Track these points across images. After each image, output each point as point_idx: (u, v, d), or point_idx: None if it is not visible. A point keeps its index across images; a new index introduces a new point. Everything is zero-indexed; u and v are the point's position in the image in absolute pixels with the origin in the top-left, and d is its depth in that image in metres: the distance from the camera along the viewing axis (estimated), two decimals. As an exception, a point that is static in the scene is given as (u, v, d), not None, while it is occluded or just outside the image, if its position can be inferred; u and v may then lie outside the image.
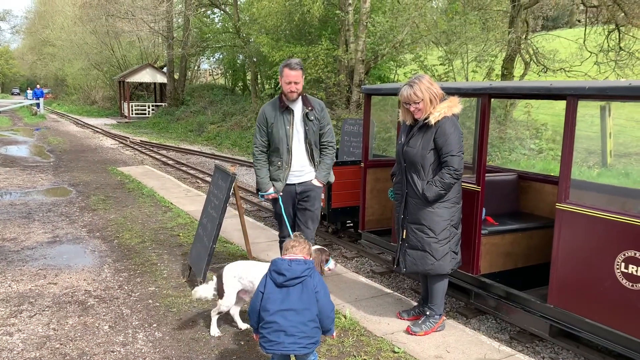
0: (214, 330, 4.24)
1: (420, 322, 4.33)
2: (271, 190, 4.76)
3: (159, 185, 10.80)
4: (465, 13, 15.03)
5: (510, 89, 4.71)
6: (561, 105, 4.13)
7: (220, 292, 4.17)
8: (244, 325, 4.34)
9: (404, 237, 4.33)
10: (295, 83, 4.58)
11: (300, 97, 4.70)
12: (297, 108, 4.71)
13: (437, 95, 4.08)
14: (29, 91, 43.63)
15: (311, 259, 3.32)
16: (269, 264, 3.25)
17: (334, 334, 3.27)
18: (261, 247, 6.52)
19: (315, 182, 4.81)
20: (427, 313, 4.34)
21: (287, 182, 4.75)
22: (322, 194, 5.07)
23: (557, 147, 13.88)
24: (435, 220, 4.13)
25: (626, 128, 15.34)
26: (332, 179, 4.99)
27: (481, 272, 4.86)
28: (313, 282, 3.09)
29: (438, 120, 4.03)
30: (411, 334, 4.25)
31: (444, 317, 4.42)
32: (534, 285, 4.80)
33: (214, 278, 4.28)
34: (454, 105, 4.10)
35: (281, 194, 4.76)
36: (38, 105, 36.67)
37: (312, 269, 3.15)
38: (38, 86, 41.91)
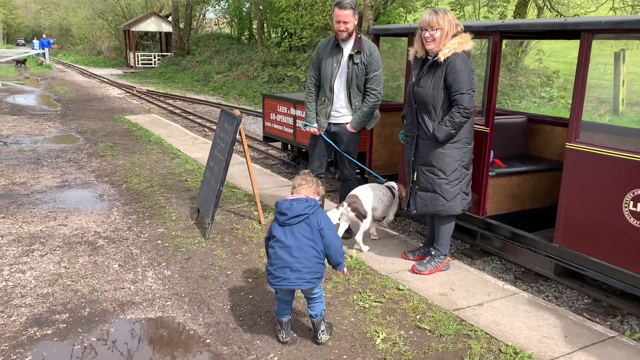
0: (365, 247, 4.78)
1: (425, 261, 4.37)
2: (315, 125, 4.92)
3: (166, 133, 10.79)
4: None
5: (523, 26, 4.57)
6: (574, 53, 4.02)
7: (360, 213, 4.66)
8: (365, 248, 4.78)
9: (414, 179, 4.30)
10: (345, 22, 4.58)
11: (353, 37, 4.69)
12: (347, 48, 4.71)
13: (455, 29, 3.95)
14: (35, 41, 42.66)
15: (318, 198, 3.34)
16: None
17: (345, 269, 3.30)
18: (268, 192, 6.55)
19: (348, 127, 4.84)
20: (433, 253, 4.37)
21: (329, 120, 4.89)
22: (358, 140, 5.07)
23: (568, 96, 13.64)
24: (446, 162, 4.08)
25: (640, 76, 15.00)
26: (369, 126, 4.96)
27: (487, 214, 4.86)
28: (316, 219, 3.16)
29: (448, 57, 3.92)
30: (416, 273, 4.30)
31: (449, 258, 4.46)
32: (540, 228, 4.80)
33: (344, 204, 4.71)
34: (465, 42, 3.96)
35: (323, 132, 4.92)
36: (44, 55, 36.33)
37: (315, 207, 3.20)
38: (44, 36, 41.12)
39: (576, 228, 4.05)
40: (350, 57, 4.67)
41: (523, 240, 4.54)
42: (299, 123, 6.97)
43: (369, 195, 4.75)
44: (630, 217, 3.68)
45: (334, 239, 3.19)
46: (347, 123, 4.84)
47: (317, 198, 3.33)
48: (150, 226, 5.36)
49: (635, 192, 3.63)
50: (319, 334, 3.29)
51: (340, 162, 5.08)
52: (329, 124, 4.90)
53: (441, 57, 3.90)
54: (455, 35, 3.95)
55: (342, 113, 4.85)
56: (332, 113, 4.86)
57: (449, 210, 4.16)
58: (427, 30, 3.94)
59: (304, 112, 5.07)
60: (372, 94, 4.74)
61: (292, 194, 3.36)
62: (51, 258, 4.57)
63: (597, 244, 3.92)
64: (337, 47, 4.71)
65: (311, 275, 3.11)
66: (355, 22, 4.66)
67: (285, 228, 3.15)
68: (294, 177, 3.48)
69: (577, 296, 4.51)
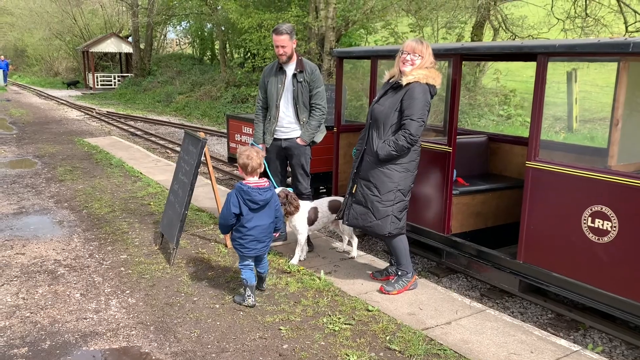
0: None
1: (392, 281, 4.39)
2: (260, 145, 5.22)
3: (127, 155, 10.59)
4: (436, -21, 14.93)
5: (482, 49, 4.72)
6: (529, 72, 4.16)
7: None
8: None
9: (352, 191, 4.40)
10: (283, 47, 4.92)
11: (294, 59, 5.02)
12: (290, 69, 5.06)
13: (430, 64, 4.08)
14: None
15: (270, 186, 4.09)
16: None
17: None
18: (234, 214, 6.47)
19: (299, 141, 5.10)
20: (399, 273, 4.40)
21: (275, 136, 5.17)
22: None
23: (525, 113, 14.07)
24: (382, 180, 4.15)
25: (591, 94, 15.64)
26: (317, 139, 5.21)
27: (452, 232, 4.93)
28: (274, 202, 4.12)
29: (409, 83, 4.02)
30: (384, 293, 4.31)
31: (416, 277, 4.49)
32: (504, 244, 4.91)
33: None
34: (431, 76, 4.05)
35: (266, 147, 5.22)
36: (4, 77, 35.01)
37: (274, 192, 4.13)
38: (2, 57, 38.78)
39: (538, 244, 4.15)
40: (294, 76, 5.02)
41: (487, 257, 4.62)
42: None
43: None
44: (589, 233, 3.80)
45: (281, 213, 4.25)
46: (297, 137, 5.12)
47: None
48: (112, 253, 5.23)
49: (593, 209, 3.75)
50: (264, 284, 4.34)
51: (293, 177, 5.33)
52: (281, 140, 5.17)
53: (404, 81, 4.02)
54: (426, 68, 4.06)
55: (291, 128, 5.15)
56: (278, 129, 5.15)
57: (376, 229, 4.22)
58: (409, 54, 4.07)
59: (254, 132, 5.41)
60: (317, 108, 5.08)
61: (249, 173, 4.02)
62: (8, 289, 4.39)
63: (559, 260, 4.02)
64: (281, 70, 5.09)
65: (270, 241, 4.16)
66: (294, 46, 5.00)
67: (255, 212, 3.96)
68: (243, 155, 4.06)
69: (542, 311, 4.60)
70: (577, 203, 3.85)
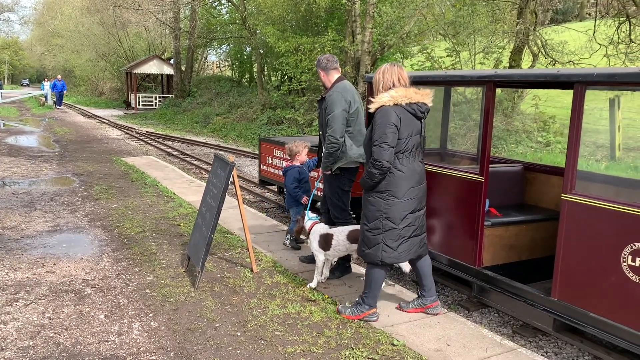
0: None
1: (350, 304, 4.35)
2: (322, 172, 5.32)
3: (162, 175, 10.76)
4: (474, 4, 14.81)
5: (516, 76, 4.58)
6: (570, 98, 4.01)
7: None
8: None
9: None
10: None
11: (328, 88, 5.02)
12: None
13: (377, 84, 4.09)
14: (46, 83, 37.09)
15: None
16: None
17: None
18: (262, 238, 6.45)
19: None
20: (357, 299, 4.33)
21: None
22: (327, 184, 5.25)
23: (565, 140, 13.64)
24: (368, 208, 4.14)
25: (635, 121, 15.13)
26: (334, 167, 4.98)
27: (484, 265, 4.75)
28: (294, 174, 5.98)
29: (376, 108, 3.99)
30: (338, 313, 4.33)
31: (376, 309, 4.29)
32: (538, 279, 4.69)
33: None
34: (400, 96, 3.94)
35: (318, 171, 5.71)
36: (46, 96, 35.99)
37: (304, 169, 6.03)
38: (59, 77, 35.22)
39: (574, 282, 3.94)
40: (317, 103, 5.14)
41: (520, 292, 4.41)
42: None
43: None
44: (629, 272, 3.58)
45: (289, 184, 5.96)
46: None
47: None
48: (139, 274, 5.24)
49: (634, 247, 3.55)
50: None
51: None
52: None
53: (371, 108, 4.01)
54: (391, 88, 4.00)
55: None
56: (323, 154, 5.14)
57: (368, 258, 4.17)
58: None
59: None
60: (326, 137, 4.85)
61: (293, 158, 6.01)
62: (35, 308, 4.44)
63: (596, 299, 3.80)
64: None
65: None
66: (324, 76, 5.05)
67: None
68: (287, 149, 6.06)
69: (578, 352, 4.36)
70: (616, 240, 3.65)
